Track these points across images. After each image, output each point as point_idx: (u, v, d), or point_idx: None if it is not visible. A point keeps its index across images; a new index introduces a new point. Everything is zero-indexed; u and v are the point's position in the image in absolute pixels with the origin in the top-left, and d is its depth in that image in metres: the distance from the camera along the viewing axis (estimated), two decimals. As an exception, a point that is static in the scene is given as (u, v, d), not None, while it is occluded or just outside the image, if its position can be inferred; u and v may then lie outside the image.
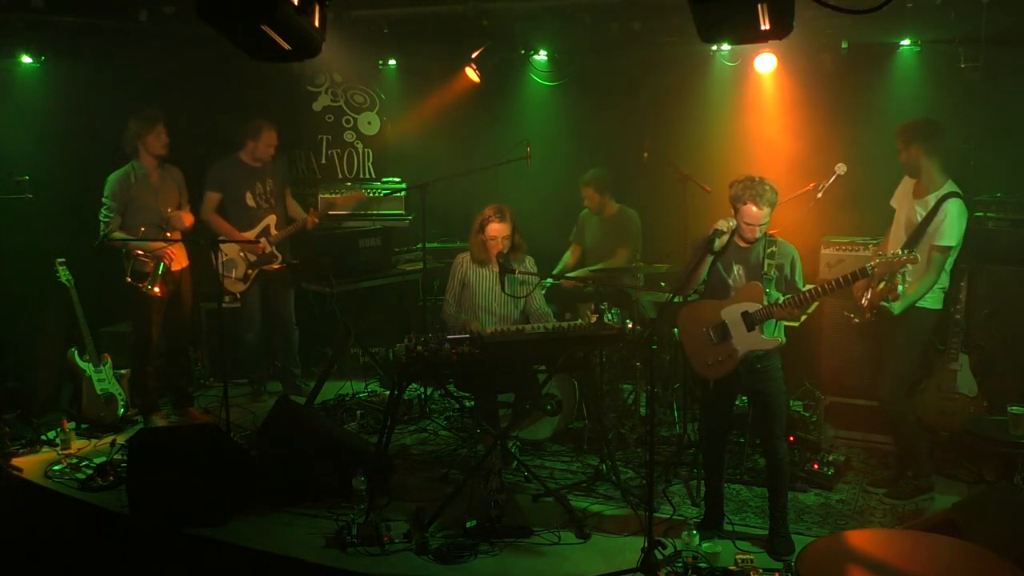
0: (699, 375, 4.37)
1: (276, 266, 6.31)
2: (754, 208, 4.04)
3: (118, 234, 5.74)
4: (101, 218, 5.77)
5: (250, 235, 6.28)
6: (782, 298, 4.10)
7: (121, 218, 5.77)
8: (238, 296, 6.40)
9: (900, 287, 4.61)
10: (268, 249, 6.34)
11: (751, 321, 4.10)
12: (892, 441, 5.23)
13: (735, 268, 4.19)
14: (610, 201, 6.37)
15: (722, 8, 2.68)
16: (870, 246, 5.54)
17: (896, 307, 4.64)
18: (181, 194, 5.94)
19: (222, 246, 6.18)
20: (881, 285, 4.73)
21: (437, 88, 7.35)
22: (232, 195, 6.31)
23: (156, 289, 5.75)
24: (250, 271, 6.37)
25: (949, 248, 4.66)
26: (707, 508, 4.53)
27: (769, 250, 4.12)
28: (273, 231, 6.37)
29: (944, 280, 4.78)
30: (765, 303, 4.08)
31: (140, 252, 5.76)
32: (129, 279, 5.81)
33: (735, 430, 4.99)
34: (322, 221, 6.66)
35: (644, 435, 5.47)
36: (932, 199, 4.71)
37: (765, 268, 4.10)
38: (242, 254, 6.32)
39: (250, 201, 6.32)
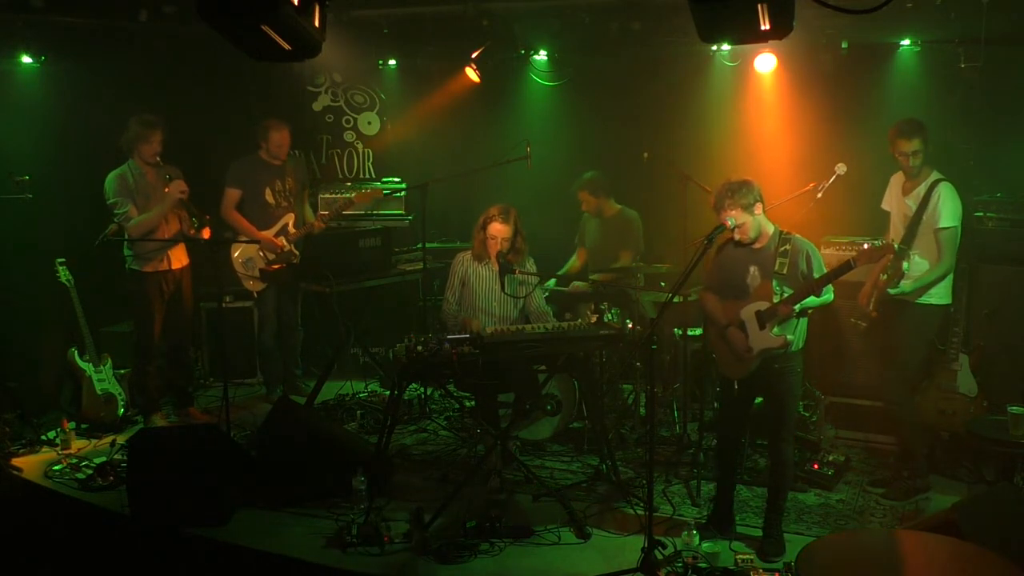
0: (725, 375, 4.40)
1: (276, 266, 6.30)
2: (732, 211, 4.11)
3: (136, 219, 5.71)
4: (117, 219, 5.73)
5: (269, 233, 6.28)
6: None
7: (136, 209, 5.75)
8: (256, 295, 6.38)
9: (905, 265, 4.65)
10: (287, 247, 6.33)
11: (761, 319, 4.13)
12: (894, 440, 5.24)
13: (751, 269, 4.22)
14: (608, 202, 6.37)
15: (722, 8, 2.68)
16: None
17: (907, 286, 4.67)
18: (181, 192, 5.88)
19: (241, 245, 6.21)
20: (884, 277, 4.74)
21: (437, 88, 7.35)
22: (251, 192, 6.28)
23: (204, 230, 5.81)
24: (270, 268, 6.35)
25: (952, 228, 4.68)
26: (715, 506, 4.53)
27: (783, 248, 4.14)
28: (291, 229, 6.36)
29: (950, 277, 4.79)
30: (775, 300, 4.11)
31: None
32: (134, 268, 5.83)
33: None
34: (335, 221, 6.67)
35: (644, 435, 5.48)
36: (922, 189, 4.75)
37: (777, 266, 4.12)
38: (261, 253, 6.30)
39: (269, 198, 6.29)
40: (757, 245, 4.22)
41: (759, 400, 4.52)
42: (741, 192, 4.10)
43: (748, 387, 4.34)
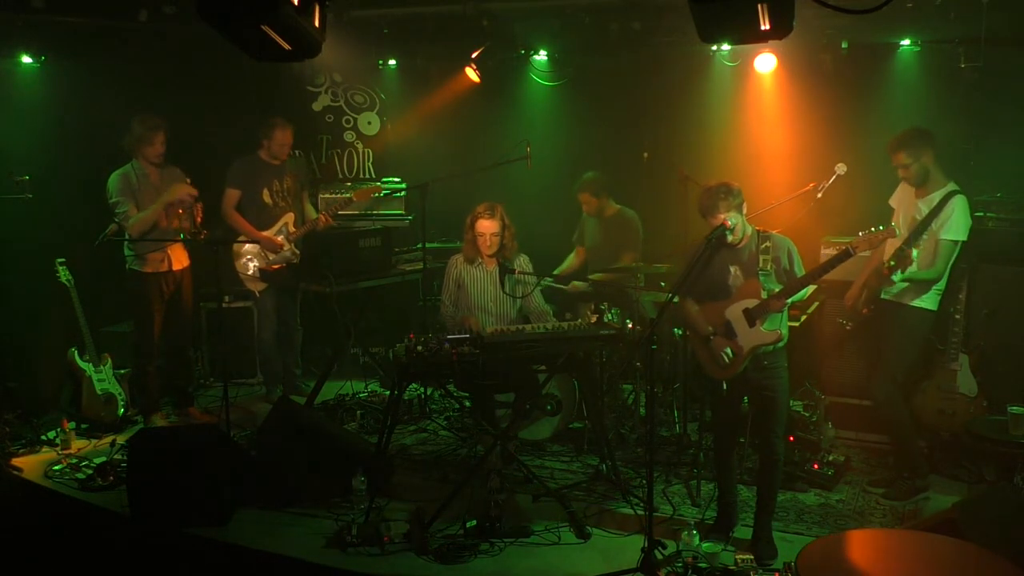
0: (712, 378, 4.39)
1: (276, 266, 6.30)
2: (728, 212, 4.13)
3: (136, 216, 5.70)
4: (117, 219, 5.73)
5: (270, 233, 6.27)
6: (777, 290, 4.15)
7: (137, 210, 5.75)
8: (258, 295, 6.39)
9: (914, 252, 4.63)
10: (288, 247, 6.33)
11: (751, 317, 4.15)
12: (891, 441, 5.23)
13: (732, 269, 4.24)
14: (608, 202, 6.36)
15: (722, 8, 2.68)
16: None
17: (897, 276, 4.64)
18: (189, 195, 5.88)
19: (242, 245, 6.20)
20: (891, 263, 4.68)
21: (437, 88, 7.36)
22: (250, 192, 6.27)
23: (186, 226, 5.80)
24: (270, 268, 6.34)
25: (957, 242, 4.67)
26: (719, 511, 4.53)
27: (763, 245, 4.18)
28: (291, 228, 6.36)
29: (942, 282, 4.79)
30: (763, 297, 4.13)
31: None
32: (134, 269, 5.83)
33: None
34: (336, 220, 6.66)
35: (644, 435, 5.48)
36: (937, 196, 4.72)
37: (760, 263, 4.16)
38: (262, 253, 6.30)
39: (267, 198, 6.28)
40: (738, 245, 4.25)
41: (746, 400, 4.53)
42: (732, 194, 4.14)
43: (738, 387, 4.35)
